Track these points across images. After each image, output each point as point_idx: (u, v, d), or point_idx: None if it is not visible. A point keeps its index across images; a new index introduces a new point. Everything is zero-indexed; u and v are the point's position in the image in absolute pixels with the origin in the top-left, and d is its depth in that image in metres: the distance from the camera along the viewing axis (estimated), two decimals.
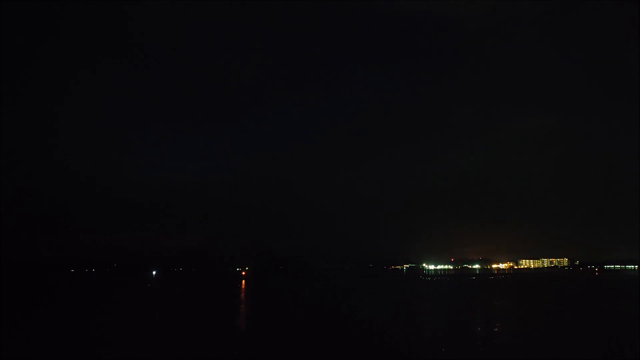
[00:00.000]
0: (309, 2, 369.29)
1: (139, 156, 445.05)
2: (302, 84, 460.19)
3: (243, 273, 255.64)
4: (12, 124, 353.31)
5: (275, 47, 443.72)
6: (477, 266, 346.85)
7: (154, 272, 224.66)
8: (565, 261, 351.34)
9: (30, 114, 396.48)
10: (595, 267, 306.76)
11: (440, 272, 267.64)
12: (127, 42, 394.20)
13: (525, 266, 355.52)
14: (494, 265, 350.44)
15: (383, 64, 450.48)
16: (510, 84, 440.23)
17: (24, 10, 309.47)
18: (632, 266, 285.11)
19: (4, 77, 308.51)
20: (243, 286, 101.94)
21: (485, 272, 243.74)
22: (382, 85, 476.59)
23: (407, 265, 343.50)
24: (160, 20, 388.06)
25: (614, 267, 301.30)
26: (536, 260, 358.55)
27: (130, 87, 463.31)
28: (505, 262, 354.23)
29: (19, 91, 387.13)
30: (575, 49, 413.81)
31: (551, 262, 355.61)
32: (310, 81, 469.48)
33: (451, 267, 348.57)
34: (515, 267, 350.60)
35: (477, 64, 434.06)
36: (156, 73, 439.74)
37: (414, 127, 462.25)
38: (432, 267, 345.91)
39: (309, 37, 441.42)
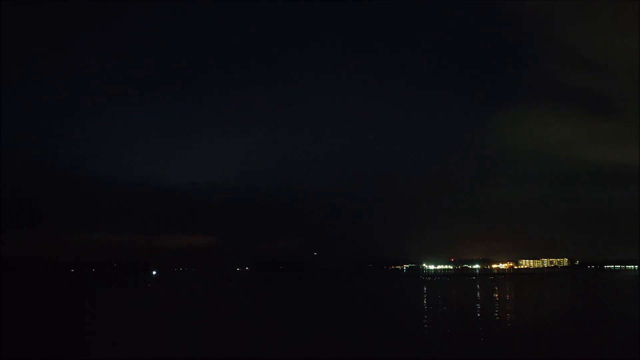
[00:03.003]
0: None
1: (139, 156, 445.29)
2: (301, 83, 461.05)
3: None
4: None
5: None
6: (477, 266, 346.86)
7: (154, 272, 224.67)
8: (565, 261, 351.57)
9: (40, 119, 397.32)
10: (595, 267, 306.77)
11: (440, 272, 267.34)
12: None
13: (525, 266, 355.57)
14: (494, 265, 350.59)
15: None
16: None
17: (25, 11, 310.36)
18: (632, 266, 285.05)
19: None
20: (241, 287, 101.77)
21: (485, 272, 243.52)
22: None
23: (407, 265, 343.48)
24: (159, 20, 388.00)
25: (614, 267, 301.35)
26: (536, 260, 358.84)
27: (136, 92, 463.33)
28: (505, 262, 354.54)
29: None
30: None
31: (551, 262, 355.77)
32: (309, 81, 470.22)
33: (451, 267, 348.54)
34: (515, 267, 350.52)
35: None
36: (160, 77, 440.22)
37: (413, 127, 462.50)
38: (432, 267, 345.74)
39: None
